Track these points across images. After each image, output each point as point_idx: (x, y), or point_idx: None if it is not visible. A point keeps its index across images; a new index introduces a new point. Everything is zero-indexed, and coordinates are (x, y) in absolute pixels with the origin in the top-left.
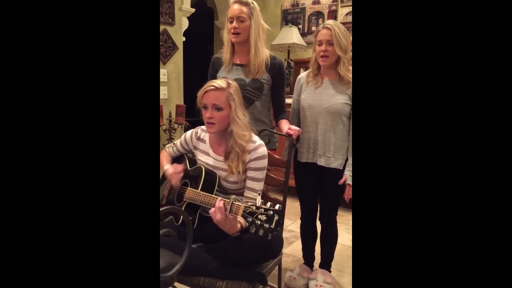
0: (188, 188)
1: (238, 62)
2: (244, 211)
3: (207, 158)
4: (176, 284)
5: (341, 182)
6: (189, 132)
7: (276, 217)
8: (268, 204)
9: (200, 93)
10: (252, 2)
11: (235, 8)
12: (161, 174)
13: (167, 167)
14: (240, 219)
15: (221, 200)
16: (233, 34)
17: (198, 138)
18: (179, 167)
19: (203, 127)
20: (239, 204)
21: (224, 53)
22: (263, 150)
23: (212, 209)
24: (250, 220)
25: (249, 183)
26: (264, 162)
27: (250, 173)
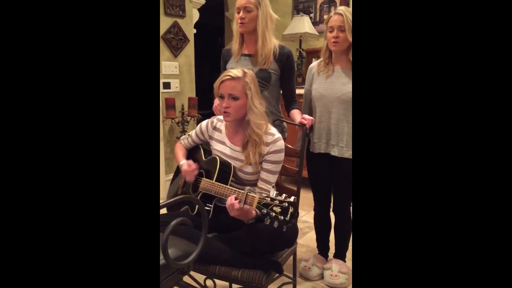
0: (203, 178)
1: (246, 52)
2: (258, 203)
3: (223, 147)
4: (192, 273)
5: None
6: (204, 122)
7: (291, 209)
8: (283, 195)
9: (216, 83)
10: None
11: None
12: (173, 166)
13: (182, 162)
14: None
15: (233, 195)
16: (240, 23)
17: (214, 128)
18: (193, 165)
19: (219, 116)
20: (254, 195)
21: (234, 44)
22: (281, 143)
23: (227, 203)
24: (265, 211)
25: (264, 175)
26: (281, 156)
27: (266, 165)
